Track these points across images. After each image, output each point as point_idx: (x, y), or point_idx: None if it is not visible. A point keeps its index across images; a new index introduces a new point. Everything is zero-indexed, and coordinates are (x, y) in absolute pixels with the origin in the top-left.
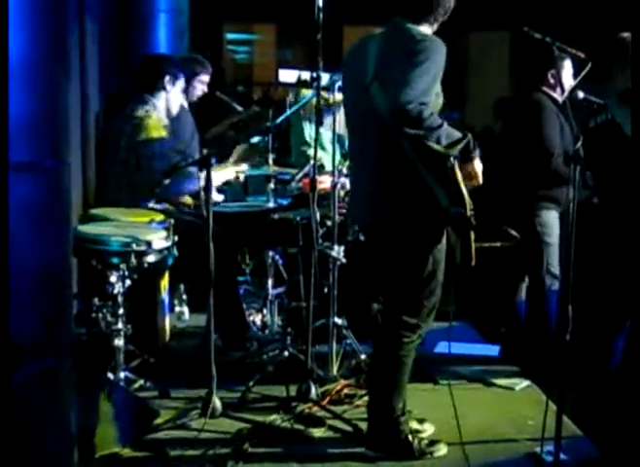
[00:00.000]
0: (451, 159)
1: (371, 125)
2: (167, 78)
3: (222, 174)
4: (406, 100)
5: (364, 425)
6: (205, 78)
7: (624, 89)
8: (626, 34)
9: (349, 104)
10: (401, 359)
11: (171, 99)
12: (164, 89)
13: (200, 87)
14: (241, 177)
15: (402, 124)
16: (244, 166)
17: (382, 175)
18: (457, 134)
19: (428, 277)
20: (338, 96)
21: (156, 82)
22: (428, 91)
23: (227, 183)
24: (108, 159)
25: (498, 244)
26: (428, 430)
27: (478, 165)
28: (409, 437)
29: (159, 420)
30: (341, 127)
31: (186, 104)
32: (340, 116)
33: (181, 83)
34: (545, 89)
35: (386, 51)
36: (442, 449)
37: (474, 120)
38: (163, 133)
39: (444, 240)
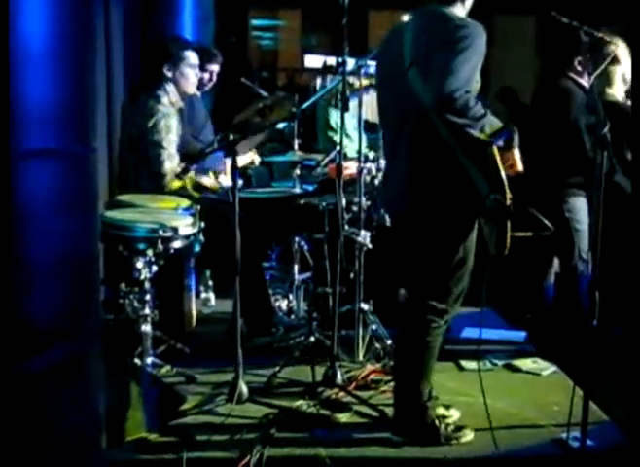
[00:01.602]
0: (493, 146)
1: (407, 111)
2: (166, 67)
3: (240, 159)
4: (452, 89)
5: (390, 411)
6: (212, 67)
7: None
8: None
9: (384, 91)
10: (428, 344)
11: (179, 84)
12: (170, 72)
13: (206, 75)
14: (256, 162)
15: (447, 112)
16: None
17: (418, 161)
18: (498, 123)
19: (458, 263)
20: (364, 81)
21: (158, 71)
22: (471, 79)
23: (244, 168)
24: (126, 148)
25: (530, 234)
26: (454, 415)
27: (517, 154)
28: (436, 422)
29: (185, 406)
30: (370, 114)
31: (198, 92)
32: (369, 101)
33: (185, 65)
34: (572, 74)
35: (425, 37)
36: (468, 435)
37: (498, 104)
38: (173, 122)
39: (475, 227)
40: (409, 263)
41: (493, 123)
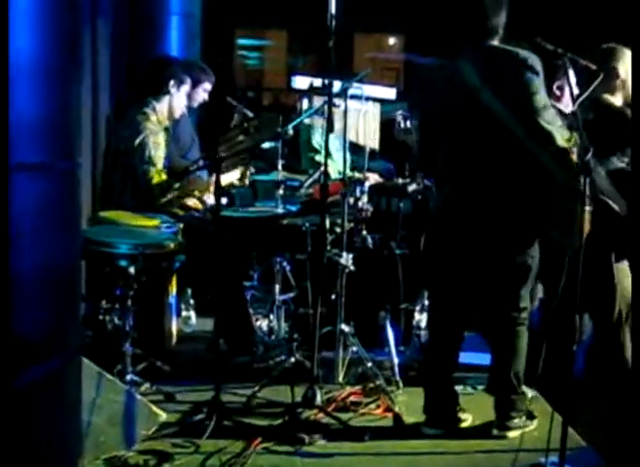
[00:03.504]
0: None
1: (483, 128)
2: (172, 82)
3: (226, 176)
4: (543, 104)
5: (368, 432)
6: (208, 86)
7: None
8: (607, 45)
9: (443, 118)
10: (520, 335)
11: (175, 103)
12: (169, 92)
13: (202, 94)
14: (246, 180)
15: (542, 121)
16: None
17: (500, 168)
18: (567, 133)
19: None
20: (353, 104)
21: (161, 85)
22: (547, 96)
23: (231, 186)
24: (111, 164)
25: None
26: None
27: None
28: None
29: (164, 424)
30: (355, 136)
31: (185, 110)
32: (354, 123)
33: (186, 87)
34: (551, 101)
35: (493, 67)
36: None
37: None
38: (161, 139)
39: None
40: (486, 275)
41: (565, 132)
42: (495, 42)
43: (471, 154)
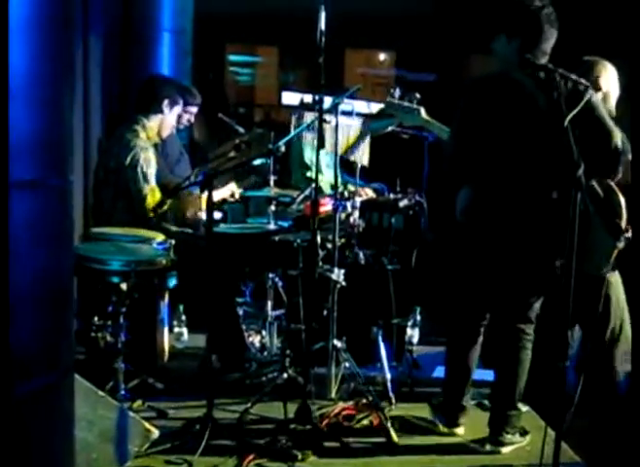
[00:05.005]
0: None
1: (546, 147)
2: (166, 102)
3: (219, 192)
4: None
5: (360, 447)
6: (193, 109)
7: None
8: (589, 58)
9: (506, 131)
10: (524, 354)
11: (165, 123)
12: (162, 112)
13: (187, 116)
14: (237, 195)
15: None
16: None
17: (539, 176)
18: None
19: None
20: (345, 121)
21: (154, 103)
22: None
23: (223, 201)
24: (102, 180)
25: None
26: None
27: None
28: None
29: (156, 441)
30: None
31: (174, 130)
32: (345, 139)
33: (178, 109)
34: None
35: (554, 88)
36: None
37: None
38: (151, 155)
39: None
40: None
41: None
42: (543, 61)
43: (515, 161)
